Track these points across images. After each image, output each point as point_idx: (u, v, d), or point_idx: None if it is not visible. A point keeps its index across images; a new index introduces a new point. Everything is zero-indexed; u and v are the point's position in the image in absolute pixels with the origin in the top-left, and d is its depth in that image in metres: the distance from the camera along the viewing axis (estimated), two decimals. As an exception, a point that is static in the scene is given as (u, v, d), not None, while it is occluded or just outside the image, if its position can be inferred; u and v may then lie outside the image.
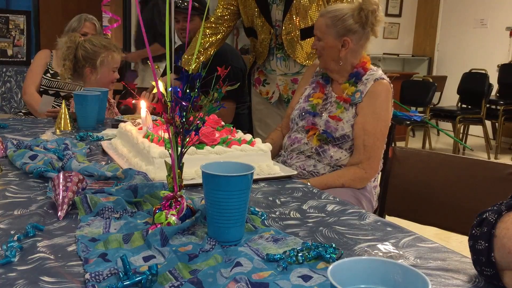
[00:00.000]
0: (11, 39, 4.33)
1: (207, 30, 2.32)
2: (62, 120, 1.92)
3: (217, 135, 1.41)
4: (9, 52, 4.32)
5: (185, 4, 2.72)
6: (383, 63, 7.14)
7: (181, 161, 0.95)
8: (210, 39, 2.32)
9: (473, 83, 5.99)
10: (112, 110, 2.47)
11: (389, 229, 1.03)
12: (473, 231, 0.76)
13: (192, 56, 2.26)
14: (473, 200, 1.54)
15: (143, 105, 1.52)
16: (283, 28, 2.20)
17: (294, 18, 2.18)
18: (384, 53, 7.28)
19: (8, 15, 4.29)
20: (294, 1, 2.15)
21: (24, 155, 1.38)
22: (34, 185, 1.22)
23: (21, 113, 2.81)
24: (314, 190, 1.29)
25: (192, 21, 2.71)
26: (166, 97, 0.92)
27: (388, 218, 1.65)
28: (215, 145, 1.36)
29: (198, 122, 0.93)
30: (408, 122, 4.94)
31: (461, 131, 6.15)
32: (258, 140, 1.45)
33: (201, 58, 2.31)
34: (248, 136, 1.47)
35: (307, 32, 2.16)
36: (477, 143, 6.30)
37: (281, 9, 2.19)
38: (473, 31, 6.90)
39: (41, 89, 2.72)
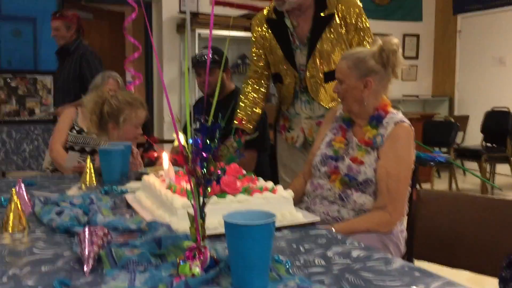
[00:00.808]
0: (38, 98, 4.50)
1: (255, 86, 2.41)
2: (88, 175, 1.96)
3: (238, 184, 1.42)
4: (37, 111, 4.48)
5: (205, 58, 2.78)
6: (403, 105, 7.14)
7: (204, 211, 0.96)
8: (258, 94, 2.41)
9: (496, 121, 5.92)
10: (135, 162, 2.49)
11: (417, 274, 1.00)
12: (503, 274, 0.74)
13: (248, 115, 2.35)
14: (505, 241, 1.49)
15: (165, 157, 1.55)
16: (307, 71, 2.26)
17: (317, 62, 2.24)
18: (403, 95, 7.29)
19: (36, 76, 4.48)
20: (317, 46, 2.22)
21: (51, 211, 1.41)
22: (61, 240, 1.23)
23: (48, 170, 2.88)
24: (338, 236, 1.28)
25: (213, 74, 2.76)
26: (187, 149, 0.94)
27: (417, 263, 1.61)
28: (237, 194, 1.37)
29: (219, 172, 0.94)
30: (432, 163, 4.86)
31: (488, 170, 6.03)
32: (280, 188, 1.46)
33: (257, 111, 2.38)
34: (270, 184, 1.48)
35: (330, 76, 2.20)
36: (506, 182, 6.14)
37: (305, 53, 2.26)
38: (492, 69, 6.88)
39: (67, 146, 2.79)
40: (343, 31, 2.22)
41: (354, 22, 2.23)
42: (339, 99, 1.94)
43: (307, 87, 2.29)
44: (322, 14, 2.21)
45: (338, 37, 2.22)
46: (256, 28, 2.38)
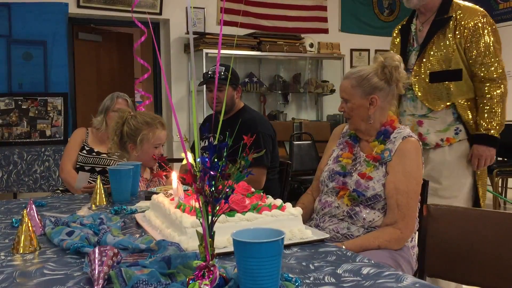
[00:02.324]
0: (49, 120, 4.55)
1: None
2: (98, 195, 1.97)
3: (247, 201, 1.42)
4: (48, 133, 4.52)
5: (219, 75, 2.81)
6: (412, 120, 7.13)
7: (212, 229, 0.96)
8: None
9: (507, 135, 5.87)
10: (153, 178, 2.49)
11: (428, 290, 0.99)
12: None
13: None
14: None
15: (174, 176, 1.56)
16: (415, 70, 2.42)
17: (425, 63, 2.40)
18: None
19: (46, 98, 4.54)
20: (428, 47, 2.38)
21: (61, 232, 1.41)
22: (71, 261, 1.24)
23: (58, 191, 2.90)
24: (348, 253, 1.27)
25: (224, 90, 2.77)
26: (195, 168, 0.95)
27: (429, 280, 1.59)
28: (246, 212, 1.37)
29: (227, 190, 0.94)
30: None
31: (500, 184, 5.97)
32: (288, 205, 1.45)
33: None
34: (279, 201, 1.48)
35: (435, 76, 2.37)
36: (518, 196, 6.07)
37: (416, 54, 2.44)
38: (501, 83, 6.86)
39: (78, 166, 2.82)
40: (456, 37, 2.33)
41: (470, 31, 2.31)
42: (443, 102, 2.20)
43: (413, 86, 2.43)
44: (439, 18, 2.38)
45: (449, 41, 2.34)
46: (393, 37, 2.68)
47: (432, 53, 2.38)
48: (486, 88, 2.33)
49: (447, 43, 2.35)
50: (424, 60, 2.40)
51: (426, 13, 2.45)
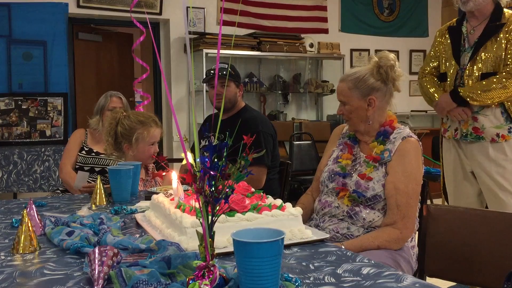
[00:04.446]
0: (49, 120, 4.55)
1: (435, 79, 2.77)
2: (98, 195, 1.97)
3: (247, 201, 1.42)
4: (48, 133, 4.52)
5: (222, 72, 2.81)
6: (412, 120, 7.12)
7: (212, 229, 0.96)
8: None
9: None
10: (151, 179, 2.50)
11: (428, 290, 0.99)
12: (505, 285, 0.74)
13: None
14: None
15: (174, 176, 1.56)
16: (467, 70, 2.57)
17: (477, 64, 2.55)
18: (411, 110, 7.28)
19: (46, 98, 4.54)
20: (480, 50, 2.53)
21: (61, 232, 1.41)
22: (71, 261, 1.24)
23: (58, 191, 2.90)
24: (348, 253, 1.27)
25: (228, 87, 2.79)
26: (194, 168, 0.95)
27: (429, 280, 1.59)
28: (246, 211, 1.37)
29: (227, 190, 0.94)
30: (443, 178, 4.83)
31: None
32: (288, 205, 1.45)
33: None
34: (279, 201, 1.48)
35: (486, 77, 2.52)
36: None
37: (469, 55, 2.59)
38: (501, 83, 6.86)
39: (77, 166, 2.82)
40: (504, 43, 2.49)
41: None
42: (495, 100, 2.41)
43: (465, 83, 2.57)
44: (492, 24, 2.55)
45: (500, 46, 2.50)
46: (438, 37, 2.81)
47: (484, 55, 2.54)
48: None
49: (499, 47, 2.51)
50: (476, 61, 2.55)
51: (479, 17, 2.60)
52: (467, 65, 2.58)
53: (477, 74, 2.55)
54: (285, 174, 2.80)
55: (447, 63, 2.70)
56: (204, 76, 3.03)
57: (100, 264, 1.05)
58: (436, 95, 2.72)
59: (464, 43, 2.65)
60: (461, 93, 2.54)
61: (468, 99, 2.52)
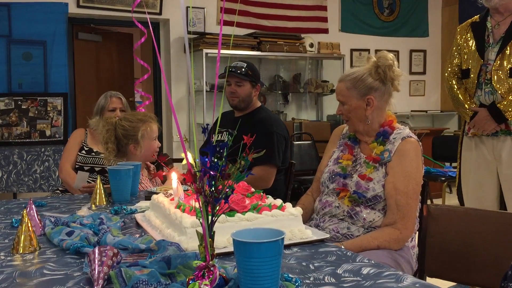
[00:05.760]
0: (49, 120, 4.55)
1: (460, 80, 2.74)
2: (98, 195, 1.97)
3: (247, 201, 1.42)
4: (47, 133, 4.52)
5: (240, 69, 2.81)
6: (412, 120, 7.12)
7: (212, 229, 0.96)
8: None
9: None
10: (152, 178, 2.50)
11: (428, 290, 0.99)
12: (502, 284, 0.73)
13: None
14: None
15: (174, 176, 1.56)
16: (494, 65, 2.57)
17: (506, 58, 2.55)
18: (412, 110, 7.28)
19: (46, 98, 4.54)
20: (508, 45, 2.53)
21: (61, 232, 1.41)
22: (71, 261, 1.24)
23: (58, 191, 2.90)
24: (348, 253, 1.27)
25: (243, 86, 2.80)
26: (195, 168, 0.95)
27: (429, 280, 1.59)
28: (246, 211, 1.37)
29: (227, 190, 0.94)
30: (443, 179, 4.83)
31: (500, 184, 5.96)
32: (288, 205, 1.45)
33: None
34: (279, 201, 1.48)
35: None
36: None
37: (496, 50, 2.59)
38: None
39: (77, 166, 2.82)
40: None
41: None
42: None
43: (491, 79, 2.57)
44: None
45: None
46: (458, 34, 2.80)
47: (511, 51, 2.54)
48: None
49: None
50: (505, 55, 2.55)
51: (504, 13, 2.60)
52: (495, 60, 2.57)
53: (507, 68, 2.54)
54: (289, 173, 2.80)
55: (470, 60, 2.69)
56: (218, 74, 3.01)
57: (100, 264, 1.05)
58: (466, 105, 2.70)
59: (488, 39, 2.64)
60: (501, 108, 2.52)
61: (506, 114, 2.51)
